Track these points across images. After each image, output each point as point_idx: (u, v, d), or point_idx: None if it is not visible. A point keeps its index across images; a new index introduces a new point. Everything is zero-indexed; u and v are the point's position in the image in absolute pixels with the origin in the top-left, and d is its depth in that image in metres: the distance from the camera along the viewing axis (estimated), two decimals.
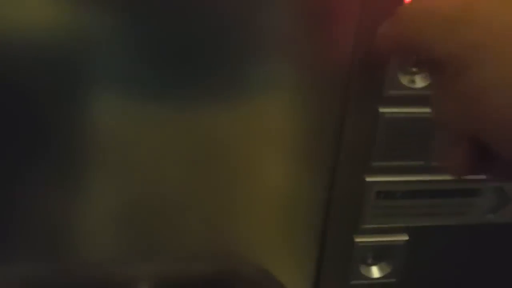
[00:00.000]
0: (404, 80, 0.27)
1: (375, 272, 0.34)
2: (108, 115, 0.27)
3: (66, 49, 0.25)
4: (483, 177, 0.31)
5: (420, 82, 0.27)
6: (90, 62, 0.25)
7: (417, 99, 0.28)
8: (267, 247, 0.32)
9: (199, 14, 0.25)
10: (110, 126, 0.27)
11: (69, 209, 0.29)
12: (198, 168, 0.29)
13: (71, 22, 0.24)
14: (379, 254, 0.33)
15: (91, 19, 0.24)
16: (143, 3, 0.24)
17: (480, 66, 0.17)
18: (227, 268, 0.33)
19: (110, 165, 0.28)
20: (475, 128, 0.18)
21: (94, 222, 0.30)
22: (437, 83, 0.20)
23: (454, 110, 0.18)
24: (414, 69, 0.27)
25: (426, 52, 0.19)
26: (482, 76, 0.17)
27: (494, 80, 0.16)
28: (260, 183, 0.30)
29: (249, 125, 0.28)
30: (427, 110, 0.28)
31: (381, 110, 0.28)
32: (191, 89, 0.27)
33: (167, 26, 0.25)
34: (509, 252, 0.35)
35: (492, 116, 0.17)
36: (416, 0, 0.20)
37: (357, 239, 0.32)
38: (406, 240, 0.33)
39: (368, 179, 0.30)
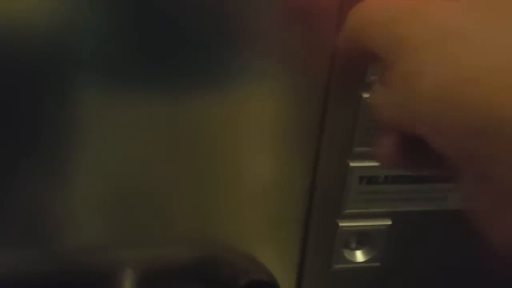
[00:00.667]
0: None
1: (359, 256, 0.34)
2: (95, 104, 0.27)
3: (50, 39, 0.25)
4: None
5: None
6: (77, 53, 0.25)
7: None
8: (251, 233, 0.32)
9: (186, 11, 0.25)
10: (97, 114, 0.27)
11: (54, 195, 0.29)
12: (184, 157, 0.29)
13: (55, 11, 0.24)
14: (362, 239, 0.34)
15: (76, 7, 0.24)
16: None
17: (407, 58, 0.19)
18: (212, 254, 0.33)
19: (95, 152, 0.28)
20: (406, 119, 0.19)
21: (80, 207, 0.30)
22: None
23: (386, 102, 0.20)
24: None
25: (368, 49, 0.21)
26: (408, 67, 0.18)
27: (418, 70, 0.18)
28: (244, 170, 0.30)
29: (232, 113, 0.28)
30: None
31: (364, 95, 0.28)
32: (177, 81, 0.27)
33: (152, 19, 0.25)
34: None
35: (418, 107, 0.18)
36: (363, 4, 0.22)
37: (341, 224, 0.33)
38: (389, 225, 0.33)
39: (351, 164, 0.31)
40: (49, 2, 0.24)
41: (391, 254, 0.35)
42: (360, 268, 0.35)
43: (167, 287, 0.33)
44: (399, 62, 0.19)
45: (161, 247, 0.32)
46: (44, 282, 0.31)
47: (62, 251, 0.30)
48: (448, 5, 0.19)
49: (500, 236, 0.17)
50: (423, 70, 0.18)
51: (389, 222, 0.33)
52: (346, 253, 0.34)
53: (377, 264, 0.35)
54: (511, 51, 0.16)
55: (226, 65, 0.27)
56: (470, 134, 0.17)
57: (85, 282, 0.32)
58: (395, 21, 0.20)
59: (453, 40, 0.17)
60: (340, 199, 0.32)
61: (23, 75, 0.25)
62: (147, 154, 0.29)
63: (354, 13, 0.23)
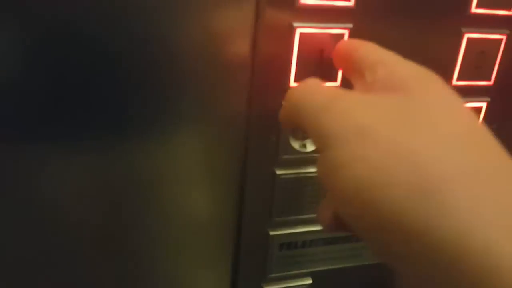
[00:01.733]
0: (296, 145, 0.31)
1: None
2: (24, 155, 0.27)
3: None
4: None
5: (310, 146, 0.31)
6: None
7: (308, 160, 0.31)
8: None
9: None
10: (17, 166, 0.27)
11: None
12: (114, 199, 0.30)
13: None
14: None
15: None
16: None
17: (329, 152, 0.20)
18: None
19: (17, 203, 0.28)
20: (334, 200, 0.21)
21: None
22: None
23: (321, 180, 0.21)
24: (304, 135, 0.31)
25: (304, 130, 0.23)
26: (329, 160, 0.20)
27: (336, 166, 0.20)
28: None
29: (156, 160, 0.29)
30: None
31: (278, 172, 0.31)
32: (97, 127, 0.27)
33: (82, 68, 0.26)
34: None
35: (337, 197, 0.20)
36: (299, 86, 0.24)
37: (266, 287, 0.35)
38: (310, 284, 0.36)
39: (271, 233, 0.33)
40: None
41: None
42: None
43: None
44: (324, 152, 0.20)
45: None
46: None
47: None
48: (366, 100, 0.21)
49: None
50: (340, 167, 0.19)
51: (310, 281, 0.36)
52: None
53: None
54: (417, 156, 0.18)
55: (155, 112, 0.28)
56: (382, 234, 0.18)
57: None
58: (322, 112, 0.21)
59: (366, 140, 0.19)
60: (264, 264, 0.34)
61: None
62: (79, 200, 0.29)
63: (291, 93, 0.24)
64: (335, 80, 0.29)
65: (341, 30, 0.28)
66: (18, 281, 0.30)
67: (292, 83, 0.28)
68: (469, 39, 0.31)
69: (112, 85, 0.26)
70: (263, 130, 0.30)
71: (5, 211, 0.28)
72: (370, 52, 0.24)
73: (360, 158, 0.19)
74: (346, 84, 0.29)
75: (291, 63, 0.28)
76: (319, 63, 0.28)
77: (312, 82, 0.24)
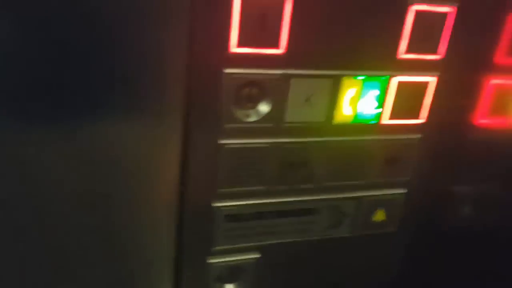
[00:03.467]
0: (240, 114, 0.30)
1: None
2: None
3: None
4: (319, 197, 0.35)
5: (254, 116, 0.30)
6: None
7: (253, 131, 0.31)
8: (120, 274, 0.33)
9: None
10: None
11: None
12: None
13: None
14: (234, 273, 0.36)
15: None
16: None
17: None
18: None
19: None
20: None
21: None
22: None
23: None
24: (248, 105, 0.30)
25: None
26: None
27: None
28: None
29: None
30: (263, 140, 0.32)
31: (220, 141, 0.31)
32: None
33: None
34: (351, 261, 0.40)
35: None
36: None
37: (211, 261, 0.34)
38: (258, 258, 0.36)
39: (216, 204, 0.33)
40: None
41: (264, 286, 0.37)
42: None
43: None
44: None
45: None
46: None
47: None
48: None
49: None
50: None
51: (258, 255, 0.36)
52: None
53: None
54: None
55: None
56: None
57: None
58: None
59: None
60: (210, 237, 0.34)
61: None
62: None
63: None
64: (278, 45, 0.29)
65: None
66: None
67: (234, 48, 0.28)
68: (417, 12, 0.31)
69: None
70: (205, 99, 0.29)
71: None
72: None
73: None
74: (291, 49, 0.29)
75: (231, 28, 0.27)
76: (262, 28, 0.28)
77: None
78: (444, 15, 0.31)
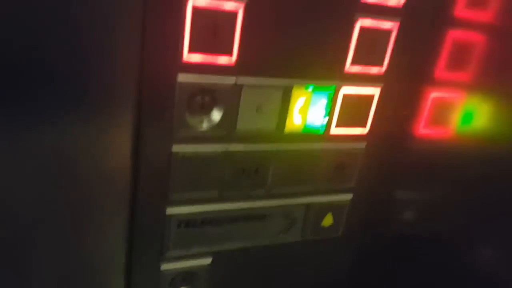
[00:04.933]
0: (192, 121, 0.31)
1: None
2: None
3: None
4: (270, 203, 0.36)
5: (206, 123, 0.31)
6: None
7: (204, 138, 0.32)
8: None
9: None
10: None
11: None
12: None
13: None
14: (187, 278, 0.36)
15: None
16: None
17: None
18: None
19: None
20: None
21: None
22: None
23: None
24: (200, 112, 0.31)
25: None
26: None
27: None
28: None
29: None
30: (215, 147, 0.32)
31: (173, 148, 0.31)
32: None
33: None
34: (302, 266, 0.41)
35: None
36: None
37: (163, 267, 0.35)
38: (210, 263, 0.36)
39: (168, 210, 0.33)
40: None
41: None
42: None
43: None
44: None
45: None
46: None
47: None
48: None
49: None
50: None
51: (209, 261, 0.36)
52: None
53: None
54: None
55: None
56: None
57: None
58: None
59: None
60: (162, 243, 0.34)
61: None
62: None
63: None
64: (230, 53, 0.30)
65: (235, 5, 0.28)
66: None
67: (186, 56, 0.28)
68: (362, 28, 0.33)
69: None
70: (158, 106, 0.30)
71: None
72: None
73: None
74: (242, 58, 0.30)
75: (183, 36, 0.28)
76: (214, 36, 0.29)
77: None
78: (387, 31, 0.33)
